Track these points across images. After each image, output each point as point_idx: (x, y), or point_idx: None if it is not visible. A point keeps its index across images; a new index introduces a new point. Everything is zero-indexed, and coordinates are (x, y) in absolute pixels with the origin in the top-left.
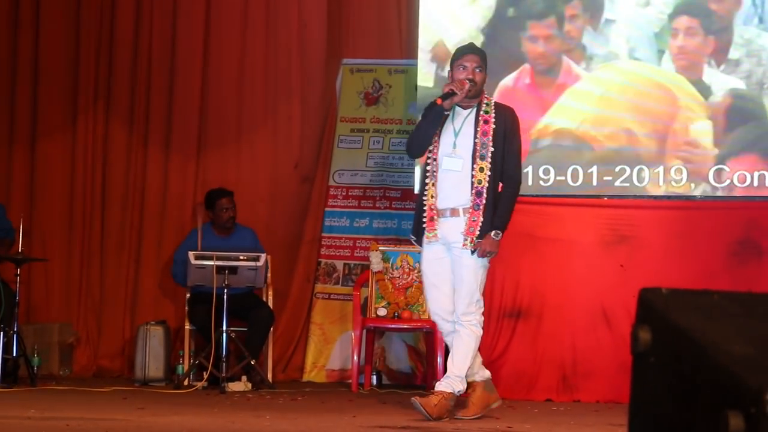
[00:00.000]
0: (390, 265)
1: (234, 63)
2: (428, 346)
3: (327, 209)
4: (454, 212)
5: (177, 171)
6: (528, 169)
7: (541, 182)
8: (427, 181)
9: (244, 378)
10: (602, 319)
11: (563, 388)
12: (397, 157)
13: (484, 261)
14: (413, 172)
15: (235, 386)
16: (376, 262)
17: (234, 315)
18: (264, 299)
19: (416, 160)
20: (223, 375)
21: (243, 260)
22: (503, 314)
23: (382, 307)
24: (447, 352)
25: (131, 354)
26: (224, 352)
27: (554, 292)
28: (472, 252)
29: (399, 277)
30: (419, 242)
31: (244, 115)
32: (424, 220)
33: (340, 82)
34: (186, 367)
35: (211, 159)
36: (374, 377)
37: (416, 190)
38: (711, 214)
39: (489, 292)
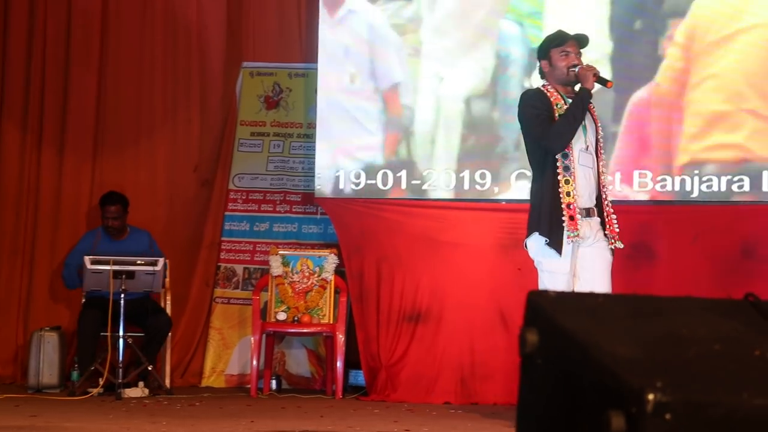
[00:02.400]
0: (290, 269)
1: (132, 64)
2: (328, 350)
3: (227, 213)
4: (591, 212)
5: (72, 173)
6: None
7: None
8: (559, 178)
9: (140, 384)
10: (500, 322)
11: (461, 390)
12: (298, 161)
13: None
14: (314, 176)
15: (131, 392)
16: (276, 266)
17: (131, 321)
18: (162, 304)
19: (318, 165)
20: (119, 381)
21: (140, 265)
22: (403, 318)
23: (282, 311)
24: (347, 356)
25: (24, 360)
26: (120, 358)
27: (453, 296)
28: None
29: (299, 282)
30: (557, 244)
31: (142, 117)
32: (564, 219)
33: (240, 85)
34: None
35: (108, 161)
36: (274, 382)
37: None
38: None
39: (389, 296)
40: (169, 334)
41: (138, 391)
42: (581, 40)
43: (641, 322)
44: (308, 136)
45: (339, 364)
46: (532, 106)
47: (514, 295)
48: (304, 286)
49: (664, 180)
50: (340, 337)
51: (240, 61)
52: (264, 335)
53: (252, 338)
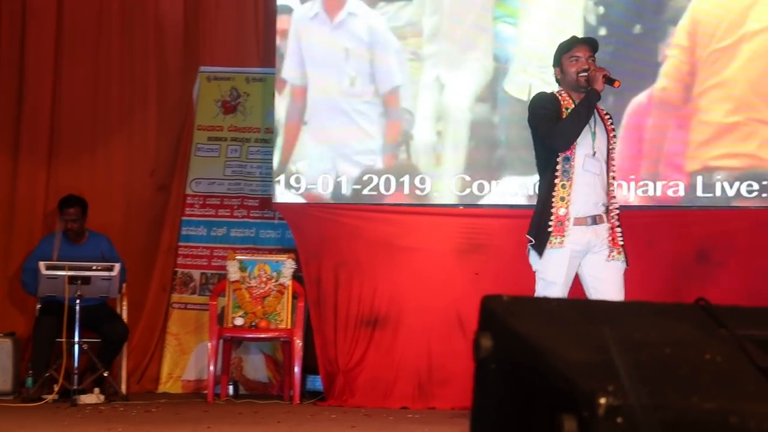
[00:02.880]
0: (247, 275)
1: (88, 68)
2: (285, 355)
3: (184, 218)
4: (599, 219)
5: (26, 177)
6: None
7: (417, 191)
8: (556, 181)
9: (96, 390)
10: (458, 326)
11: (419, 395)
12: (255, 166)
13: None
14: (271, 181)
15: (87, 399)
16: (233, 272)
17: (87, 327)
18: (119, 309)
19: (274, 171)
20: (75, 387)
21: (96, 270)
22: (360, 323)
23: (239, 316)
24: (304, 361)
25: None
26: (76, 364)
27: (411, 300)
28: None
29: (256, 287)
30: (539, 247)
31: (98, 121)
32: (551, 224)
33: (197, 89)
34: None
35: (63, 165)
36: (231, 387)
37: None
38: None
39: (346, 301)
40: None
41: (93, 398)
42: (591, 44)
43: (594, 326)
44: (266, 140)
45: (296, 369)
46: (542, 107)
47: (471, 300)
48: (261, 291)
49: (646, 185)
50: (298, 342)
51: (197, 65)
52: (221, 341)
53: (209, 344)
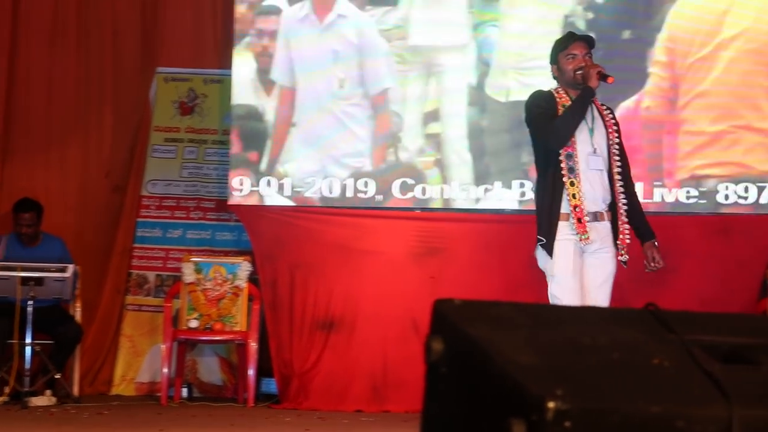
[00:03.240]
0: (203, 277)
1: (43, 67)
2: (240, 358)
3: (139, 219)
4: (600, 216)
5: None
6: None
7: (359, 194)
8: (564, 180)
9: (48, 392)
10: (413, 330)
11: (373, 398)
12: (212, 168)
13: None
14: (227, 183)
15: (38, 401)
16: (188, 274)
17: (40, 328)
18: (72, 311)
19: (231, 172)
20: (26, 389)
21: (49, 271)
22: (316, 326)
23: (194, 318)
24: (259, 364)
25: None
26: (27, 366)
27: (367, 304)
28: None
29: (212, 289)
30: (550, 247)
31: (53, 121)
32: (572, 222)
33: (154, 90)
34: None
35: (17, 166)
36: (185, 390)
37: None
38: (516, 227)
39: (302, 304)
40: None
41: (45, 400)
42: (587, 41)
43: (544, 330)
44: (223, 142)
45: (251, 371)
46: (537, 105)
47: (427, 304)
48: (216, 293)
49: None
50: (253, 345)
51: (154, 66)
52: (175, 343)
53: (163, 346)
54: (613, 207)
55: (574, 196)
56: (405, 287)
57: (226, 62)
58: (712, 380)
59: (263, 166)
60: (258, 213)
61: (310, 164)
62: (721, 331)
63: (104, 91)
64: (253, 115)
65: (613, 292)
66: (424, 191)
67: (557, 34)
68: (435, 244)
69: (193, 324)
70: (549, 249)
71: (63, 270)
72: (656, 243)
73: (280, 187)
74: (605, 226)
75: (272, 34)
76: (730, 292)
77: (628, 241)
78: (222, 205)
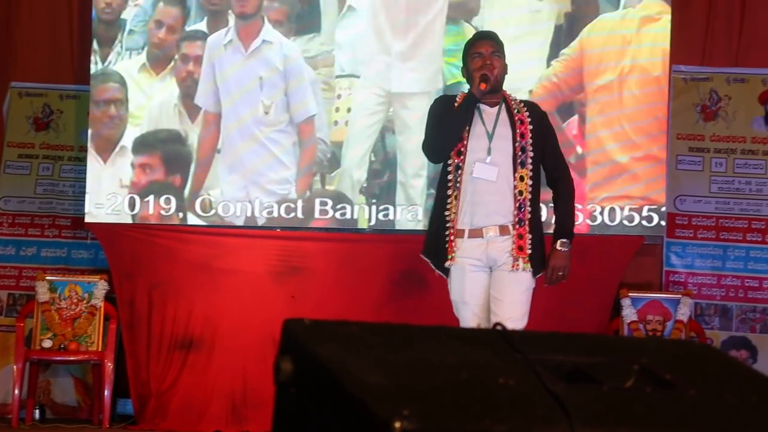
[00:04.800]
0: (57, 296)
1: None
2: (96, 379)
3: None
4: (498, 231)
5: None
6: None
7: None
8: (449, 192)
9: None
10: (273, 349)
11: (233, 418)
12: (68, 185)
13: (533, 282)
14: (84, 201)
15: None
16: (42, 293)
17: None
18: None
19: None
20: None
21: None
22: (175, 345)
23: (48, 338)
24: (116, 384)
25: None
26: None
27: (226, 323)
28: (535, 274)
29: (67, 308)
30: (439, 264)
31: None
32: (447, 239)
33: (7, 105)
34: None
35: None
36: (37, 411)
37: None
38: (377, 246)
39: (160, 323)
40: None
41: None
42: (494, 38)
43: (393, 350)
44: (79, 159)
45: (107, 392)
46: (431, 113)
47: None
48: (72, 312)
49: None
50: (109, 365)
51: (8, 80)
52: (28, 363)
53: (14, 366)
54: (521, 220)
55: (454, 212)
56: (265, 306)
57: (83, 78)
58: (556, 399)
59: (186, 191)
60: (116, 231)
61: (235, 190)
62: (566, 351)
63: None
64: (177, 139)
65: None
66: (344, 213)
67: None
68: (296, 263)
69: (47, 344)
70: (441, 269)
71: None
72: (562, 248)
73: (204, 211)
74: (508, 240)
75: (197, 59)
76: (585, 311)
77: (529, 251)
78: (78, 222)
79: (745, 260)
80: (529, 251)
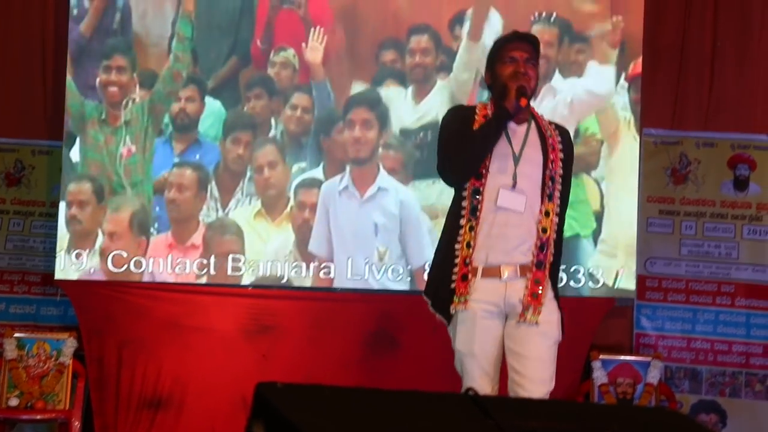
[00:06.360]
0: (25, 353)
1: None
2: None
3: None
4: (522, 270)
5: None
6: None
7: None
8: (462, 222)
9: None
10: (242, 409)
11: None
12: (39, 241)
13: (560, 334)
14: (54, 257)
15: None
16: (10, 350)
17: None
18: None
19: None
20: None
21: None
22: (143, 404)
23: (15, 396)
24: None
25: None
26: None
27: (196, 382)
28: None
29: (34, 366)
30: (441, 307)
31: None
32: (454, 278)
33: None
34: None
35: None
36: None
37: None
38: (348, 305)
39: (129, 381)
40: None
41: None
42: (533, 42)
43: (364, 417)
44: (50, 215)
45: None
46: (449, 127)
47: (257, 381)
48: (39, 370)
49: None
50: (76, 424)
51: None
52: None
53: None
54: (540, 262)
55: (468, 245)
56: (235, 365)
57: (55, 133)
58: None
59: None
60: (86, 288)
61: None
62: (539, 417)
63: None
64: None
65: (437, 374)
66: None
67: None
68: (267, 321)
69: (14, 402)
70: (443, 314)
71: None
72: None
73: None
74: (520, 284)
75: (312, 206)
76: (556, 373)
77: (543, 300)
78: (48, 279)
79: (714, 324)
80: (543, 300)
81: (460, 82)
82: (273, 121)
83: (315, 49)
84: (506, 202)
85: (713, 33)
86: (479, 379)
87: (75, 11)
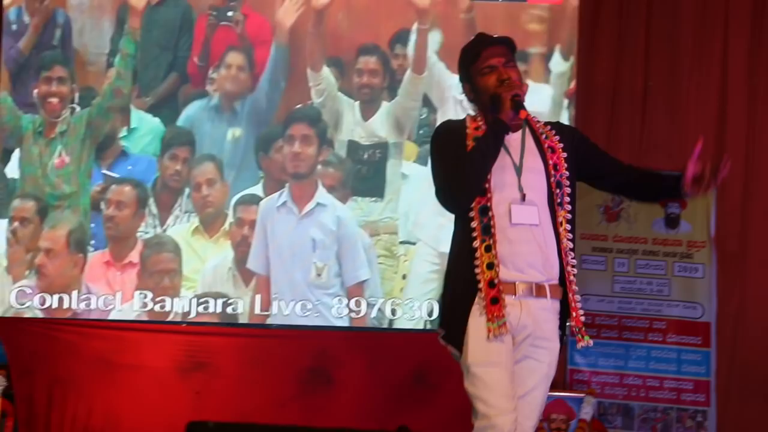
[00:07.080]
0: None
1: None
2: None
3: None
4: (542, 290)
5: None
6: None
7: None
8: (475, 244)
9: None
10: None
11: None
12: None
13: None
14: None
15: None
16: None
17: None
18: None
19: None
20: None
21: None
22: None
23: None
24: None
25: None
26: None
27: (129, 420)
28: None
29: None
30: (457, 341)
31: None
32: (481, 301)
33: None
34: None
35: None
36: None
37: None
38: (284, 342)
39: (59, 421)
40: None
41: None
42: (508, 44)
43: None
44: None
45: None
46: (444, 151)
47: (191, 418)
48: None
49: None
50: None
51: None
52: None
53: None
54: (562, 275)
55: (489, 266)
56: (169, 403)
57: None
58: None
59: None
60: (14, 325)
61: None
62: None
63: None
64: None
65: (373, 411)
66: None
67: None
68: (201, 358)
69: None
70: (456, 343)
71: None
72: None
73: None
74: (551, 304)
75: (251, 223)
76: None
77: (582, 319)
78: None
79: (646, 360)
80: (583, 320)
81: (406, 108)
82: (209, 87)
83: (287, 11)
84: (520, 217)
85: (645, 74)
86: (506, 390)
87: (14, 27)
